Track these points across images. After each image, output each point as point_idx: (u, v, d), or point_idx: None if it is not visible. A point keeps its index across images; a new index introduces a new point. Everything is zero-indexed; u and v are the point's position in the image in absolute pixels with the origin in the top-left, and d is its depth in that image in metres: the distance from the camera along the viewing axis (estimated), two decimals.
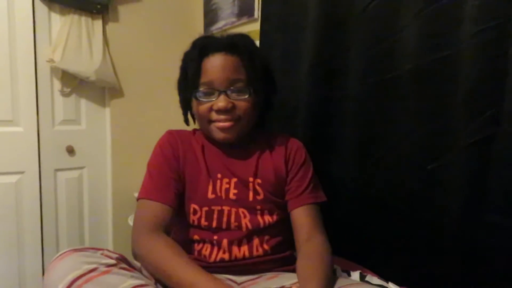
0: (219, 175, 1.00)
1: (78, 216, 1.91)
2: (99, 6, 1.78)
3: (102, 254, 0.76)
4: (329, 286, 0.81)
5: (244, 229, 0.96)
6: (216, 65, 0.94)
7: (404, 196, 1.05)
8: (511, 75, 0.82)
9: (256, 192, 0.99)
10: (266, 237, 0.98)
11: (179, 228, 0.99)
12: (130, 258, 0.85)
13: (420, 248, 1.02)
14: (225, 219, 0.97)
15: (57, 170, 1.82)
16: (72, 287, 0.67)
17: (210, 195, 0.98)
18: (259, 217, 0.98)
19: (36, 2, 1.69)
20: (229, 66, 0.94)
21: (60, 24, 1.74)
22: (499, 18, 0.84)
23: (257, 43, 1.49)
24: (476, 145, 0.89)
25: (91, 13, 1.79)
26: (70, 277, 0.68)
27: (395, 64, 1.04)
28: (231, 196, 0.98)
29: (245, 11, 1.73)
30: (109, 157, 1.97)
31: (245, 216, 0.97)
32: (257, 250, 0.97)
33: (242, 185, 0.99)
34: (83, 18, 1.76)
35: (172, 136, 1.04)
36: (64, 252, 0.74)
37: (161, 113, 1.99)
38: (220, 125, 0.96)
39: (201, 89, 0.96)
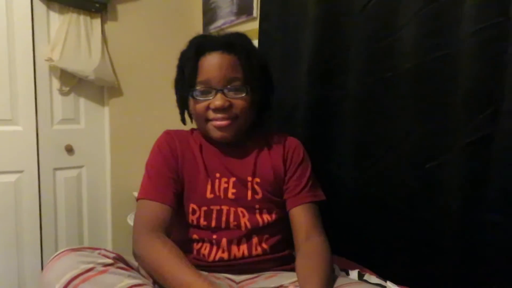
0: (217, 175, 1.00)
1: (77, 215, 1.91)
2: (97, 5, 1.78)
3: (99, 253, 0.75)
4: (329, 284, 0.81)
5: (243, 228, 0.96)
6: (213, 63, 0.94)
7: (403, 196, 1.05)
8: (510, 74, 0.82)
9: (254, 191, 0.99)
10: (265, 236, 0.98)
11: (178, 228, 0.99)
12: (129, 257, 0.85)
13: (419, 247, 1.02)
14: (224, 218, 0.97)
15: (56, 169, 1.82)
16: (69, 287, 0.67)
17: (209, 195, 0.98)
18: (258, 216, 0.98)
19: (34, 1, 1.69)
20: (226, 64, 0.94)
21: (59, 22, 1.73)
22: (498, 17, 0.83)
23: (256, 42, 1.51)
24: (476, 144, 0.89)
25: (89, 11, 1.78)
26: (67, 277, 0.68)
27: (394, 63, 1.04)
28: (230, 195, 0.98)
29: (244, 10, 1.72)
30: (108, 156, 1.97)
31: (244, 216, 0.97)
32: (256, 249, 0.97)
33: (241, 184, 0.99)
34: (82, 17, 1.76)
35: (169, 136, 1.03)
36: (61, 252, 0.74)
37: (160, 112, 1.99)
38: (217, 124, 0.96)
39: (198, 87, 0.95)
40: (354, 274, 1.02)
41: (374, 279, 0.98)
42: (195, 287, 0.72)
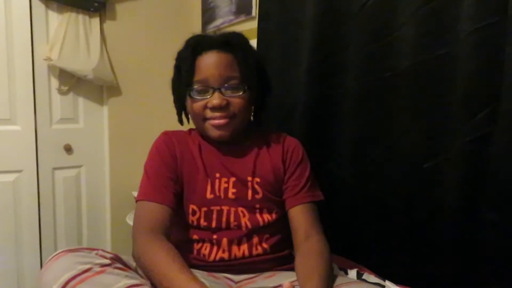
0: (217, 174, 1.00)
1: (76, 215, 1.92)
2: (96, 4, 1.78)
3: (96, 254, 0.75)
4: (329, 284, 0.81)
5: (243, 228, 0.96)
6: (209, 62, 0.94)
7: (402, 195, 1.05)
8: (508, 73, 0.82)
9: (255, 191, 0.99)
10: (266, 236, 0.98)
11: (178, 228, 0.99)
12: (128, 256, 0.85)
13: (418, 246, 1.02)
14: (224, 219, 0.97)
15: (55, 168, 1.83)
16: None
17: (209, 195, 0.98)
18: (258, 216, 0.98)
19: (33, 0, 1.69)
20: (223, 63, 0.94)
21: (58, 22, 1.73)
22: (496, 16, 0.83)
23: (255, 41, 1.50)
24: (474, 144, 0.89)
25: (88, 11, 1.78)
26: (65, 278, 0.68)
27: (393, 63, 1.04)
28: (230, 195, 0.98)
29: (243, 9, 1.72)
30: (107, 155, 1.97)
31: (244, 215, 0.97)
32: (256, 249, 0.97)
33: (241, 184, 0.99)
34: (81, 16, 1.76)
35: (168, 137, 1.03)
36: (59, 253, 0.74)
37: (160, 111, 1.98)
38: (215, 123, 0.96)
39: (195, 87, 0.95)
40: (353, 273, 1.02)
41: (372, 278, 0.98)
42: None
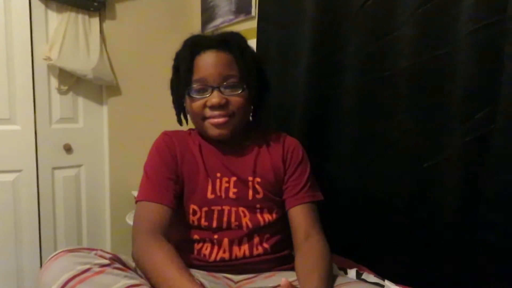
0: (218, 174, 0.99)
1: (75, 214, 1.91)
2: (96, 4, 1.78)
3: (95, 254, 0.75)
4: (329, 283, 0.81)
5: (244, 228, 0.96)
6: (208, 61, 0.94)
7: (401, 194, 1.05)
8: (507, 73, 0.82)
9: (255, 191, 0.99)
10: (266, 236, 0.98)
11: (178, 228, 0.99)
12: (127, 256, 0.85)
13: (417, 246, 1.02)
14: (225, 219, 0.97)
15: (54, 168, 1.82)
16: None
17: (210, 195, 0.97)
18: (259, 216, 0.98)
19: (32, 0, 1.68)
20: (222, 62, 0.94)
21: (57, 21, 1.73)
22: (495, 16, 0.83)
23: (254, 41, 1.50)
24: (473, 143, 0.89)
25: (88, 10, 1.78)
26: (64, 278, 0.68)
27: (392, 62, 1.04)
28: (231, 195, 0.98)
29: (242, 9, 1.72)
30: (107, 155, 1.97)
31: (245, 215, 0.97)
32: (257, 249, 0.97)
33: (242, 184, 0.99)
34: (80, 16, 1.75)
35: (167, 137, 1.03)
36: (58, 253, 0.74)
37: (159, 111, 1.98)
38: (214, 121, 0.96)
39: (194, 86, 0.96)
40: (352, 273, 1.02)
41: (372, 278, 0.98)
42: None
